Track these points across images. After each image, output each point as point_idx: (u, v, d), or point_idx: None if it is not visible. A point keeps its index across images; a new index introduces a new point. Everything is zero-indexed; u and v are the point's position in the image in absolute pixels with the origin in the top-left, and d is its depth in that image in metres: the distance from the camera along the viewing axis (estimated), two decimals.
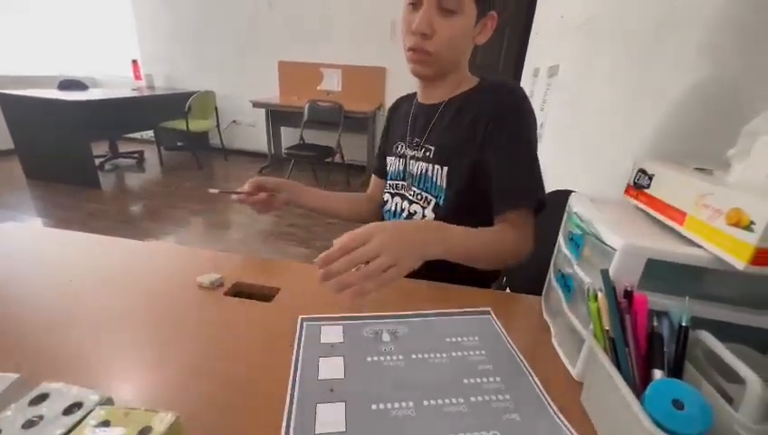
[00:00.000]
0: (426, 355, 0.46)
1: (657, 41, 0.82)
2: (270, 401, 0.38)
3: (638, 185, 0.48)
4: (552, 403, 0.40)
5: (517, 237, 0.61)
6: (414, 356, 0.46)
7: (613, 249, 0.38)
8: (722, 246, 0.34)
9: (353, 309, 0.53)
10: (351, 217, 0.88)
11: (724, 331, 0.35)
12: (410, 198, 0.76)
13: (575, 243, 0.46)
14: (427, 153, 0.73)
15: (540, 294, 0.58)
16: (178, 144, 4.38)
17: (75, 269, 0.60)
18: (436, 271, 0.62)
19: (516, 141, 0.65)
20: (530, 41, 2.04)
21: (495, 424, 0.37)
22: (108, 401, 0.30)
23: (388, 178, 0.83)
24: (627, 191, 0.50)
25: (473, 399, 0.40)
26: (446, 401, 0.40)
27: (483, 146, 0.66)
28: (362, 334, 0.49)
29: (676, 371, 0.34)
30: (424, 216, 0.73)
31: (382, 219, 0.85)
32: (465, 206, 0.69)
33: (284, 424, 0.36)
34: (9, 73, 3.82)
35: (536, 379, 0.43)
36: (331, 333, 0.49)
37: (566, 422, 0.37)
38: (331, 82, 3.93)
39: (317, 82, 3.97)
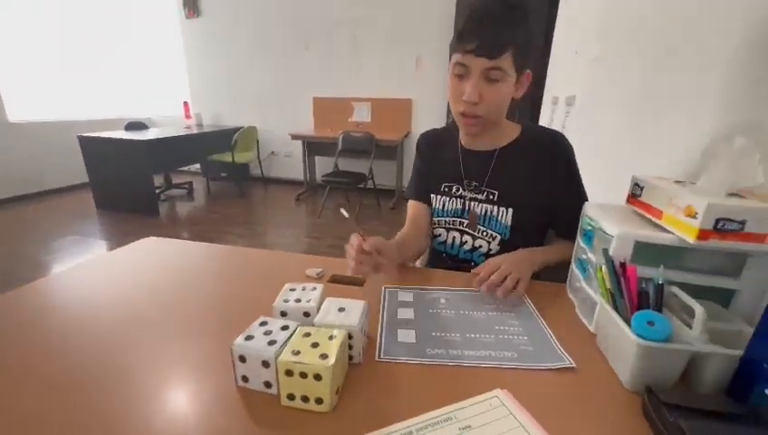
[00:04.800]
0: (470, 312, 0.65)
1: (654, 77, 1.00)
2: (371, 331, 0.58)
3: (634, 194, 0.66)
4: (556, 341, 0.57)
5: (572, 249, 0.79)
6: (462, 312, 0.65)
7: (611, 236, 0.56)
8: (682, 230, 0.51)
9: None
10: (414, 257, 0.95)
11: (700, 294, 0.50)
12: (474, 234, 0.89)
13: (588, 237, 0.64)
14: (491, 196, 0.86)
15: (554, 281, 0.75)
16: (222, 175, 4.81)
17: (217, 270, 0.83)
18: None
19: (579, 185, 0.84)
20: (548, 73, 2.25)
21: (515, 349, 0.55)
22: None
23: (442, 214, 0.92)
24: (627, 200, 0.68)
25: (500, 336, 0.59)
26: (481, 335, 0.59)
27: (549, 190, 0.81)
28: (426, 298, 0.69)
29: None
30: (490, 249, 0.87)
31: (436, 252, 0.97)
32: (525, 239, 0.84)
33: (379, 337, 0.57)
34: (82, 118, 4.40)
35: (549, 330, 0.60)
36: (405, 296, 0.70)
37: (561, 349, 0.55)
38: (362, 114, 4.27)
39: (348, 115, 4.33)
